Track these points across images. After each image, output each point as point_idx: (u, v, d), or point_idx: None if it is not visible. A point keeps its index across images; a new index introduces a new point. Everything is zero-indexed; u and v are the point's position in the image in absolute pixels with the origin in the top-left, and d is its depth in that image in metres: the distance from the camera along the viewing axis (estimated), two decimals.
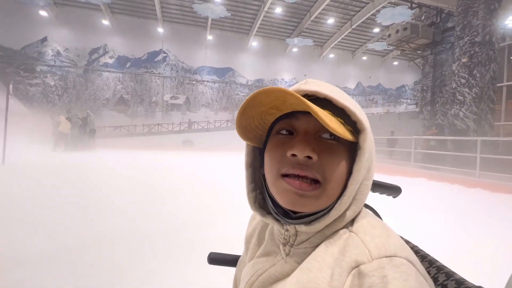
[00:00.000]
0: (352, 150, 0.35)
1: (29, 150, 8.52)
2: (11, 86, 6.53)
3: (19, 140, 8.84)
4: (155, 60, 20.96)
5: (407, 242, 0.49)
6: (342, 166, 0.34)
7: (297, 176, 0.34)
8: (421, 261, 0.42)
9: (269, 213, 0.40)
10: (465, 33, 8.55)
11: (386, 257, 0.30)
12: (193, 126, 20.18)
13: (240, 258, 0.57)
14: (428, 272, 0.40)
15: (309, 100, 0.35)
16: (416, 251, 0.46)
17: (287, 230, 0.38)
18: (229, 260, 0.63)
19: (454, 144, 7.96)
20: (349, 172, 0.34)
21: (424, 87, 12.90)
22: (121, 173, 5.67)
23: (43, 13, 17.90)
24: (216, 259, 0.64)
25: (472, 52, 8.34)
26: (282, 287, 0.36)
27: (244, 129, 0.38)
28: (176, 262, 1.87)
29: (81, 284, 1.57)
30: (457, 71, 8.78)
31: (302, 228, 0.36)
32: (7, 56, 17.51)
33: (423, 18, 13.75)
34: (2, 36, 16.82)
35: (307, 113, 0.35)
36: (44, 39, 18.46)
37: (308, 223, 0.35)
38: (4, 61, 17.38)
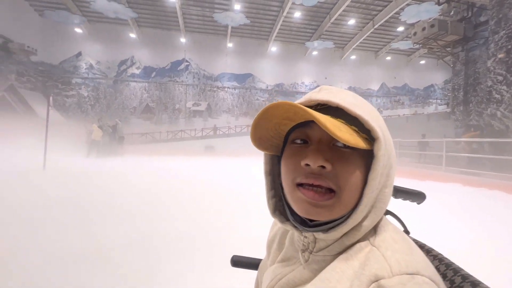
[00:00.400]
0: (368, 157, 0.35)
1: (66, 157, 9.19)
2: (51, 98, 7.12)
3: (58, 147, 9.57)
4: (178, 69, 21.83)
5: (431, 250, 0.47)
6: (357, 174, 0.34)
7: (311, 186, 0.34)
8: (445, 270, 0.42)
9: (288, 219, 0.41)
10: (501, 26, 7.95)
11: (408, 274, 0.29)
12: (214, 131, 20.61)
13: (262, 262, 0.58)
14: (453, 281, 0.39)
15: (322, 108, 0.36)
16: (441, 259, 0.44)
17: (305, 237, 0.38)
18: (251, 264, 0.64)
19: (492, 146, 7.36)
20: (365, 180, 0.34)
21: (456, 86, 12.11)
22: (147, 178, 5.93)
23: (78, 30, 19.48)
24: (239, 261, 0.65)
25: (509, 46, 7.73)
26: None
27: (259, 140, 0.39)
28: (201, 263, 1.91)
29: (111, 282, 1.66)
30: (492, 68, 8.17)
31: (320, 235, 0.36)
32: (47, 70, 19.21)
33: (452, 13, 13.00)
34: (43, 53, 18.49)
35: None
36: (79, 54, 20.03)
37: (326, 231, 0.35)
38: (45, 75, 19.08)
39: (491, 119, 8.05)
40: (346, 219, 0.34)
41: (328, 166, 0.33)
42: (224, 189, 4.91)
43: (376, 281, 0.30)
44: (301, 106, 0.31)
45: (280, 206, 0.42)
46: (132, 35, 20.52)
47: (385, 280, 0.29)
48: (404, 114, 22.73)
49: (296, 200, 0.36)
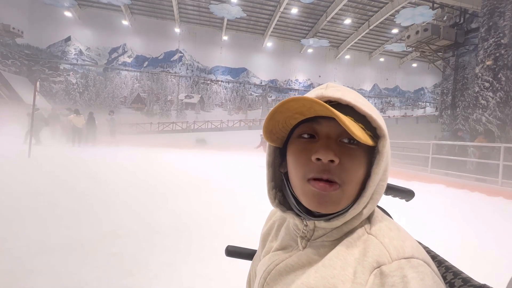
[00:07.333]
0: (370, 153, 0.38)
1: (52, 145, 8.93)
2: (38, 83, 6.85)
3: (43, 135, 9.28)
4: (171, 59, 21.40)
5: (419, 243, 0.49)
6: (361, 169, 0.36)
7: (321, 180, 0.36)
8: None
9: (289, 209, 0.43)
10: (490, 34, 8.17)
11: (405, 258, 0.32)
12: (206, 125, 20.44)
13: (256, 254, 0.58)
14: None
15: (331, 105, 0.37)
16: (428, 251, 0.47)
17: (306, 226, 0.40)
18: (245, 254, 0.64)
19: (476, 150, 7.61)
20: (367, 174, 0.37)
21: (445, 90, 12.42)
22: (135, 168, 5.85)
23: (67, 14, 18.72)
24: (233, 251, 0.66)
25: (497, 54, 7.97)
26: (304, 279, 0.37)
27: (270, 133, 0.40)
28: (182, 254, 1.91)
29: (96, 273, 1.64)
30: (480, 74, 8.41)
31: (321, 224, 0.39)
32: (33, 54, 18.45)
33: (445, 18, 13.26)
34: (29, 35, 17.72)
35: (329, 118, 0.37)
36: (68, 39, 19.30)
37: (328, 220, 0.38)
38: (31, 59, 18.33)
39: (476, 124, 8.33)
40: (347, 210, 0.37)
41: (337, 161, 0.35)
42: (214, 181, 4.90)
43: (378, 267, 0.32)
44: (321, 102, 0.32)
45: (280, 197, 0.44)
46: (125, 22, 19.91)
47: (386, 266, 0.32)
48: (394, 116, 23.18)
49: (307, 194, 0.37)
